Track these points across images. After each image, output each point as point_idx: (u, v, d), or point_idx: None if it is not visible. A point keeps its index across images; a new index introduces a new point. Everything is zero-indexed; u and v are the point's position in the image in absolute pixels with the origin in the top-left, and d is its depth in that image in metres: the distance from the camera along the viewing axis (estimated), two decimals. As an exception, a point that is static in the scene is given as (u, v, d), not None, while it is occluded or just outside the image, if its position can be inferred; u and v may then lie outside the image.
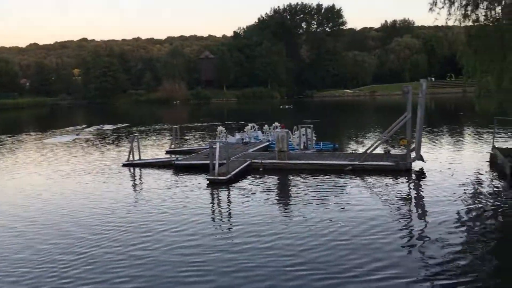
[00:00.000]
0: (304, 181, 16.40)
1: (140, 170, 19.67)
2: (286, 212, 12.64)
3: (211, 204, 14.10)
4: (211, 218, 12.43)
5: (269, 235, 10.59)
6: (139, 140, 22.46)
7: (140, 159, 21.10)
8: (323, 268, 8.62)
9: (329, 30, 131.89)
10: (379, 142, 18.80)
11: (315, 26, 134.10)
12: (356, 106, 79.69)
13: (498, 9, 20.48)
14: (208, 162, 17.21)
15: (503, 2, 20.15)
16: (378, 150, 19.57)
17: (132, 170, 19.84)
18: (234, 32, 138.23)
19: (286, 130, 20.22)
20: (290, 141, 22.10)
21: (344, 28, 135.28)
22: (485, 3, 20.44)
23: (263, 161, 18.77)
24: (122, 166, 20.59)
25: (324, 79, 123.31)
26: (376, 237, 10.18)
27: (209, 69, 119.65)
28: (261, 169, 18.39)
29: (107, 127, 43.54)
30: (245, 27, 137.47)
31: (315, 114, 53.61)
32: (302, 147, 21.87)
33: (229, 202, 14.27)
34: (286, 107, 73.74)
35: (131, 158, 20.88)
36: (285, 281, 8.17)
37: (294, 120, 34.06)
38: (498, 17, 20.43)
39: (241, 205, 13.44)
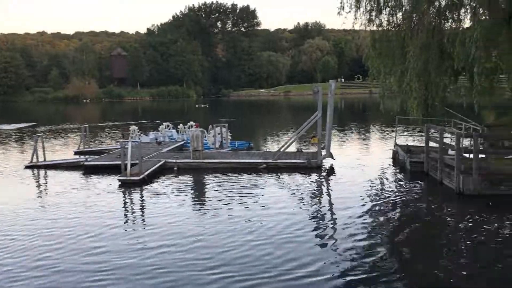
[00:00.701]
0: (220, 180, 16.40)
1: (45, 172, 18.48)
2: (202, 212, 12.50)
3: (124, 206, 13.60)
4: (123, 221, 11.95)
5: (185, 237, 10.35)
6: (44, 140, 21.09)
7: (45, 160, 19.81)
8: (240, 270, 8.48)
9: (244, 30, 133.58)
10: (291, 140, 19.33)
11: (231, 25, 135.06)
12: (271, 105, 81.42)
13: (399, 15, 21.94)
14: (119, 162, 16.58)
15: (404, 8, 21.59)
16: (291, 148, 20.11)
17: (36, 172, 18.57)
18: (148, 29, 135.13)
19: (201, 129, 20.10)
20: (205, 140, 22.00)
21: (259, 28, 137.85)
22: (388, 9, 21.78)
23: (177, 161, 18.49)
24: (24, 168, 19.19)
25: (240, 78, 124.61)
26: (292, 235, 10.25)
27: (121, 66, 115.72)
28: (175, 168, 18.10)
29: (6, 126, 40.37)
30: (159, 24, 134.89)
31: (231, 113, 53.93)
32: (217, 146, 21.86)
33: (142, 203, 13.84)
34: (202, 106, 73.43)
35: (34, 160, 19.53)
36: (202, 285, 7.99)
37: (210, 119, 33.97)
38: (399, 23, 21.86)
39: (155, 206, 13.10)
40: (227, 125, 23.00)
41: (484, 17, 18.06)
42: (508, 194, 12.73)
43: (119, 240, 10.30)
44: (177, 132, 26.42)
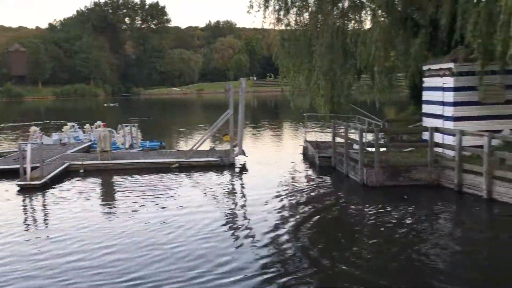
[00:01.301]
0: (130, 181, 15.84)
1: None
2: (112, 217, 11.92)
3: (24, 213, 12.64)
4: (23, 229, 11.06)
5: (94, 243, 9.70)
6: None
7: None
8: (155, 275, 8.02)
9: (154, 26, 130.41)
10: (204, 138, 19.20)
11: (140, 22, 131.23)
12: (184, 104, 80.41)
13: (306, 15, 22.67)
14: (18, 166, 15.36)
15: (310, 9, 22.32)
16: (204, 147, 19.98)
17: None
18: (50, 24, 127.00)
19: (109, 129, 19.27)
20: (114, 140, 21.15)
21: (169, 25, 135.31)
22: (295, 9, 22.39)
23: (84, 163, 17.55)
24: None
25: (151, 76, 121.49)
26: (208, 235, 9.99)
27: (20, 63, 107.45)
28: (81, 171, 17.17)
29: None
30: (62, 19, 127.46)
31: (142, 112, 52.41)
32: (127, 146, 21.10)
33: (44, 209, 12.95)
34: (111, 105, 70.54)
35: None
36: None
37: (119, 119, 32.70)
38: (306, 23, 22.59)
39: (59, 211, 12.28)
40: (137, 124, 22.30)
41: (383, 19, 19.22)
42: (406, 185, 13.64)
43: (18, 249, 9.51)
44: (84, 132, 25.12)
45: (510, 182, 11.44)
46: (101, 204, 13.24)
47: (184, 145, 24.43)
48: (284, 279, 7.75)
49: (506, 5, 11.88)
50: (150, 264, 8.54)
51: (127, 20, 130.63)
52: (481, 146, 12.19)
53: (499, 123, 14.67)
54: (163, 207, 12.42)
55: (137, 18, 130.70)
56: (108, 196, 14.43)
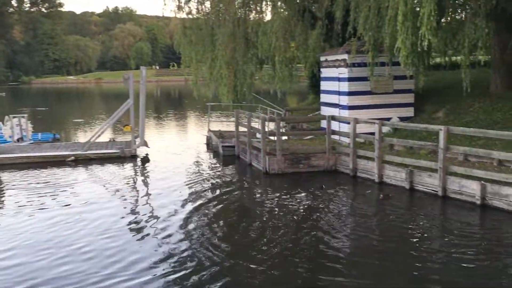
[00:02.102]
0: (21, 177, 14.62)
1: None
2: (3, 218, 10.81)
3: None
4: None
5: None
6: None
7: None
8: (61, 286, 7.24)
9: (45, 10, 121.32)
10: (102, 130, 18.30)
11: (29, 5, 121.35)
12: (81, 93, 76.18)
13: (208, 3, 22.49)
14: None
15: (211, -3, 22.17)
16: (103, 138, 19.07)
17: None
18: None
19: (-6, 120, 17.60)
20: (1, 133, 19.38)
21: (63, 10, 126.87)
22: (197, -3, 22.13)
23: (-35, 158, 15.88)
24: None
25: (43, 64, 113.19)
26: (111, 234, 9.38)
27: None
28: (-38, 167, 15.52)
29: None
30: None
31: (33, 103, 48.74)
32: (15, 139, 19.43)
33: None
34: (-2, 94, 64.70)
35: None
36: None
37: (7, 110, 30.04)
38: (208, 12, 22.42)
39: None
40: (26, 115, 20.61)
41: (282, 10, 19.71)
42: (306, 171, 14.18)
43: None
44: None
45: (397, 166, 12.37)
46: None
47: (81, 137, 23.15)
48: (193, 275, 7.54)
49: (393, 0, 12.76)
50: (54, 268, 7.85)
51: (14, 2, 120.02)
52: (373, 133, 13.04)
53: (388, 112, 15.80)
54: (61, 205, 11.58)
55: (25, 1, 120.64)
56: (-6, 194, 13.17)
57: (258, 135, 16.29)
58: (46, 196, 12.35)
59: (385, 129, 13.85)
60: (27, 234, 9.49)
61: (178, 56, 29.30)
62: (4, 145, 18.14)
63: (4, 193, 13.09)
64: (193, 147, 20.16)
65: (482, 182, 10.29)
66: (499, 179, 10.12)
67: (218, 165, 16.62)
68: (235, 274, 7.50)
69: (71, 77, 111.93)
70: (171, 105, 50.44)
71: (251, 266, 7.84)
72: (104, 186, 13.74)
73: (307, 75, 24.65)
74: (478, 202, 10.27)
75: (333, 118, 14.55)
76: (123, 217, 10.51)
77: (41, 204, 11.63)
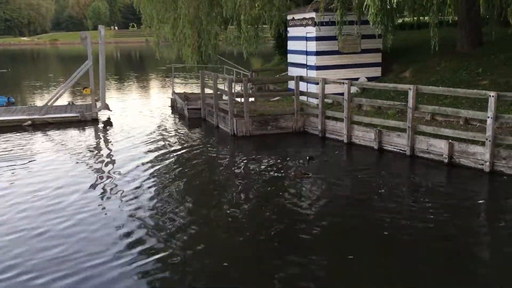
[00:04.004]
0: (-28, 143, 13.78)
1: None
2: None
3: None
4: None
5: None
6: None
7: None
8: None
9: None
10: (60, 92, 17.40)
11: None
12: (36, 55, 72.76)
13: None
14: None
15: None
16: (62, 101, 18.20)
17: None
18: None
19: None
20: (-51, 97, 18.15)
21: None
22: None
23: None
24: None
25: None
26: (73, 206, 8.72)
27: None
28: None
29: None
30: None
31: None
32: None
33: None
34: None
35: None
36: None
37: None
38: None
39: None
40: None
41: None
42: (274, 133, 13.97)
43: None
44: None
45: (365, 127, 12.33)
46: None
47: (38, 101, 22.05)
48: (152, 244, 7.26)
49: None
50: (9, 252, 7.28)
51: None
52: (341, 94, 12.88)
53: (355, 72, 15.65)
54: (19, 174, 10.96)
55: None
56: None
57: (225, 97, 15.90)
58: (0, 163, 11.68)
59: (353, 89, 13.70)
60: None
61: (138, 17, 28.07)
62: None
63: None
64: (157, 110, 19.56)
65: (450, 141, 10.36)
66: (466, 137, 10.21)
67: (183, 127, 16.17)
68: (195, 244, 7.19)
69: (25, 38, 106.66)
70: (131, 67, 48.84)
71: (215, 235, 7.65)
72: (64, 151, 13.11)
73: (272, 36, 24.12)
74: (446, 160, 10.37)
75: (301, 78, 14.29)
76: (83, 188, 9.87)
77: (-3, 171, 11.00)
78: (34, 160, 12.01)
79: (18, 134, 14.93)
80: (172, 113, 18.98)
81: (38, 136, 14.87)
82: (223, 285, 6.10)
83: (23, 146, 13.55)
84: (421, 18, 15.32)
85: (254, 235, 7.51)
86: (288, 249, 6.94)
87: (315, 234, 7.51)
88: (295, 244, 7.12)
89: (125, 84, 31.60)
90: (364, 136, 12.30)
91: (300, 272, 6.30)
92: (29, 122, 15.90)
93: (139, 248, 7.01)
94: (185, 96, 18.62)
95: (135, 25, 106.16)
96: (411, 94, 10.97)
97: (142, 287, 6.10)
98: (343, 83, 12.62)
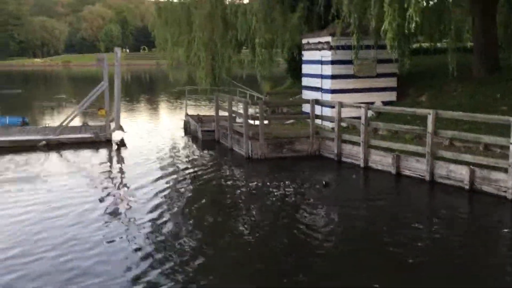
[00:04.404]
0: (-13, 163, 13.79)
1: None
2: None
3: None
4: None
5: None
6: None
7: None
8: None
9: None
10: (75, 113, 17.49)
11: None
12: (49, 76, 73.66)
13: (184, -17, 21.66)
14: None
15: (186, -24, 21.35)
16: (76, 123, 18.27)
17: None
18: None
19: (-42, 103, 16.52)
20: (-35, 116, 18.29)
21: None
22: (170, -24, 21.31)
23: None
24: None
25: (8, 46, 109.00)
26: (87, 229, 8.63)
27: None
28: None
29: None
30: None
31: (-1, 86, 46.78)
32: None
33: None
34: (-41, 77, 61.90)
35: None
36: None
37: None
38: (183, -9, 21.62)
39: None
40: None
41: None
42: (289, 156, 13.85)
43: None
44: None
45: (383, 151, 12.17)
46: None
47: (52, 122, 22.15)
48: (168, 262, 7.20)
49: (380, -19, 12.41)
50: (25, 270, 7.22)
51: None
52: (355, 117, 12.78)
53: (371, 96, 15.59)
54: (34, 193, 10.87)
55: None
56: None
57: (238, 120, 15.87)
58: (16, 184, 11.62)
59: (368, 113, 13.60)
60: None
61: (150, 39, 28.43)
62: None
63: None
64: (170, 132, 19.57)
65: (471, 166, 10.17)
66: (488, 163, 10.02)
67: (197, 149, 16.11)
68: (206, 272, 7.00)
69: (38, 59, 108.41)
70: (142, 89, 49.27)
71: (231, 254, 7.50)
72: (77, 173, 13.08)
73: (285, 59, 24.22)
74: (467, 187, 10.17)
75: (317, 102, 14.23)
76: (97, 208, 9.84)
77: (10, 194, 10.92)
78: (49, 181, 11.93)
79: (32, 154, 14.93)
80: (185, 135, 18.96)
81: (53, 157, 14.86)
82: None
83: (38, 166, 13.52)
84: (436, 43, 15.31)
85: (267, 264, 7.30)
86: (301, 277, 6.71)
87: (330, 265, 7.24)
88: (307, 273, 6.87)
89: (137, 105, 31.79)
90: (382, 161, 12.14)
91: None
92: (44, 142, 15.92)
93: (153, 273, 6.88)
94: (199, 118, 18.62)
95: (146, 48, 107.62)
96: (430, 119, 10.85)
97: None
98: (360, 106, 12.53)
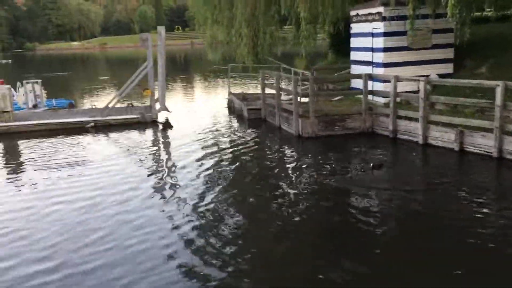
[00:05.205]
0: (39, 145, 13.92)
1: None
2: (18, 193, 10.06)
3: None
4: None
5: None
6: None
7: None
8: (66, 261, 6.61)
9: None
10: (121, 94, 17.45)
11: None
12: (87, 59, 74.89)
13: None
14: None
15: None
16: (121, 103, 18.25)
17: None
18: None
19: (8, 86, 16.72)
20: (14, 99, 18.55)
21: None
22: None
23: (-20, 127, 15.14)
24: None
25: (46, 30, 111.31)
26: (134, 205, 8.65)
27: None
28: (-22, 136, 14.82)
29: None
30: None
31: (41, 69, 47.74)
32: (30, 105, 18.63)
33: None
34: (3, 62, 63.61)
35: None
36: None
37: (15, 76, 29.18)
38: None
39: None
40: (40, 80, 19.71)
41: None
42: (341, 134, 13.35)
43: None
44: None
45: (444, 126, 11.50)
46: (7, 177, 11.27)
47: (96, 103, 22.29)
48: (210, 241, 7.01)
49: None
50: (80, 250, 7.04)
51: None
52: (409, 92, 12.07)
53: (425, 69, 14.75)
54: (84, 174, 10.88)
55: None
56: (11, 163, 12.45)
57: (284, 97, 15.41)
58: (67, 165, 11.61)
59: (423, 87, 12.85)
60: (45, 212, 8.81)
61: (183, 20, 28.09)
62: (19, 112, 17.34)
63: (21, 162, 12.38)
64: (214, 111, 19.29)
65: (546, 142, 9.43)
66: None
67: (243, 128, 15.78)
68: (250, 251, 6.80)
69: (75, 43, 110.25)
70: (180, 69, 49.19)
71: (275, 232, 7.30)
72: (125, 153, 13.01)
73: (328, 34, 23.39)
74: (541, 163, 9.46)
75: (370, 76, 13.58)
76: (144, 187, 9.74)
77: (62, 174, 10.93)
78: (97, 162, 11.83)
79: (81, 136, 15.00)
80: (229, 113, 18.67)
81: (101, 138, 14.88)
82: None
83: (86, 148, 13.55)
84: (500, 11, 14.24)
85: (314, 245, 7.02)
86: (348, 260, 6.38)
87: (380, 249, 6.73)
88: (355, 255, 6.51)
89: (177, 85, 31.68)
90: (443, 137, 11.47)
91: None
92: (92, 124, 15.98)
93: (194, 252, 6.76)
94: (244, 97, 18.26)
95: (180, 27, 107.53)
96: (499, 91, 10.10)
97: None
98: (419, 80, 11.84)
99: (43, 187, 9.99)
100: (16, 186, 10.35)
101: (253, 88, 23.30)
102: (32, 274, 6.30)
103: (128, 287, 5.91)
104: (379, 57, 14.82)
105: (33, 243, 7.25)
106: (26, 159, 12.53)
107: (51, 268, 6.45)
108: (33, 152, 13.12)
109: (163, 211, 8.42)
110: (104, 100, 21.66)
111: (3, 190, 10.06)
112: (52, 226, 7.86)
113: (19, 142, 14.48)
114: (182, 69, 49.42)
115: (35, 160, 12.21)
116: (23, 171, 11.49)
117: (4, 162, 12.46)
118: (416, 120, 12.01)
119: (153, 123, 16.74)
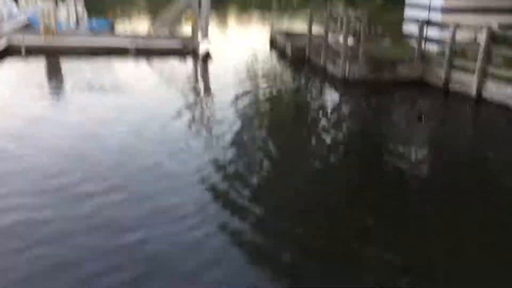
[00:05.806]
0: (82, 65, 13.92)
1: None
2: (59, 109, 10.03)
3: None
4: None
5: (23, 137, 8.04)
6: None
7: None
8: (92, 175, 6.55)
9: None
10: (163, 21, 17.07)
11: None
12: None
13: None
14: None
15: None
16: (163, 31, 17.91)
17: None
18: None
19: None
20: (59, 17, 18.37)
21: None
22: None
23: (24, 42, 15.09)
24: None
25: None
26: (169, 129, 8.58)
27: None
28: (22, 51, 14.83)
29: None
30: None
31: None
32: (71, 25, 18.41)
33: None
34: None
35: None
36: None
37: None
38: None
39: None
40: (82, 0, 19.32)
41: None
42: (389, 80, 12.83)
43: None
44: (18, 7, 21.78)
45: (503, 80, 10.88)
46: (47, 93, 11.27)
47: (137, 27, 21.96)
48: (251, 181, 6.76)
49: None
50: (116, 169, 6.89)
51: None
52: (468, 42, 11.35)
53: (486, 17, 13.81)
54: (123, 96, 10.78)
55: None
56: (55, 82, 12.40)
57: (330, 37, 14.78)
58: (107, 87, 11.53)
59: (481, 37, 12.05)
60: (86, 129, 8.75)
61: None
62: (62, 30, 17.15)
63: (63, 81, 12.39)
64: (256, 46, 18.77)
65: None
66: None
67: (285, 67, 15.38)
68: (280, 192, 6.49)
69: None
70: (218, 3, 47.84)
71: (304, 183, 6.83)
72: (165, 81, 12.89)
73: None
74: None
75: (427, 22, 12.82)
76: (181, 115, 9.51)
77: (102, 94, 10.91)
78: (136, 88, 11.69)
79: (123, 58, 14.88)
80: (271, 50, 18.18)
81: (141, 64, 14.74)
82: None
83: (127, 72, 13.48)
84: None
85: (348, 192, 6.68)
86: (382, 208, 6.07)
87: (417, 199, 6.43)
88: (389, 207, 6.13)
89: (219, 18, 30.91)
90: (500, 92, 10.87)
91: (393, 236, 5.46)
92: (134, 48, 15.78)
93: (224, 178, 6.65)
94: (287, 34, 17.66)
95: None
96: None
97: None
98: (482, 28, 11.09)
99: (90, 108, 9.84)
100: (61, 107, 10.35)
101: (298, 25, 22.50)
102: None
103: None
104: (439, 1, 13.91)
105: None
106: (70, 79, 12.52)
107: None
108: (76, 71, 13.11)
109: (201, 141, 8.26)
110: (143, 25, 21.33)
111: (49, 111, 10.01)
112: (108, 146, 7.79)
113: (63, 60, 14.47)
114: (221, 3, 48.04)
115: (78, 81, 12.15)
116: (65, 92, 11.49)
117: (50, 79, 12.52)
118: (473, 72, 11.38)
119: (194, 53, 16.44)
